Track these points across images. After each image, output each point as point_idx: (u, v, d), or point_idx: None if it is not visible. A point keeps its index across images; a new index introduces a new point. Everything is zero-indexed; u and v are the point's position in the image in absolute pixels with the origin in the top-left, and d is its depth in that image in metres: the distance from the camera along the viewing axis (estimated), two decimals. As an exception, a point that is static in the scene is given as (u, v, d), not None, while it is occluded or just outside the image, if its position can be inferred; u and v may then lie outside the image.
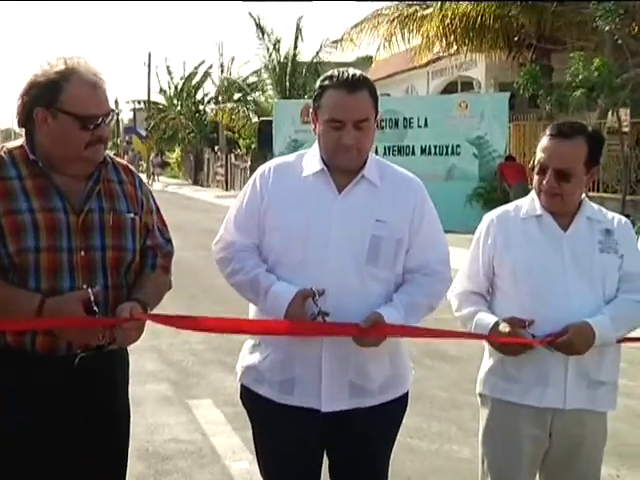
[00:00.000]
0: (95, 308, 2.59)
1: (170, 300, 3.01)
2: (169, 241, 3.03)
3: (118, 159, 3.00)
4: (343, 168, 2.93)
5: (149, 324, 2.75)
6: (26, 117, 2.76)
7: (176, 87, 48.98)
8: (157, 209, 3.04)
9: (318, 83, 2.97)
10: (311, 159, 3.00)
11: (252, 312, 3.08)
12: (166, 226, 3.07)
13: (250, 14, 35.78)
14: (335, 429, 2.95)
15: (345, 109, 2.85)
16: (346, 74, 2.88)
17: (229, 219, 3.05)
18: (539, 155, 3.08)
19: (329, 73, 2.95)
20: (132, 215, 2.85)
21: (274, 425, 2.97)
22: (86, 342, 2.68)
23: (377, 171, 2.99)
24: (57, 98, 2.69)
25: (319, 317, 2.80)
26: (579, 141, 3.05)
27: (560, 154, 3.04)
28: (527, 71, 17.06)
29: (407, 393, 3.11)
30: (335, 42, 30.13)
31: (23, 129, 2.81)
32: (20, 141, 2.80)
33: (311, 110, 2.98)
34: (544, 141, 3.08)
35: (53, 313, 2.57)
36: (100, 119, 2.71)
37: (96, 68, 2.77)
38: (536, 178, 3.10)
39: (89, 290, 2.60)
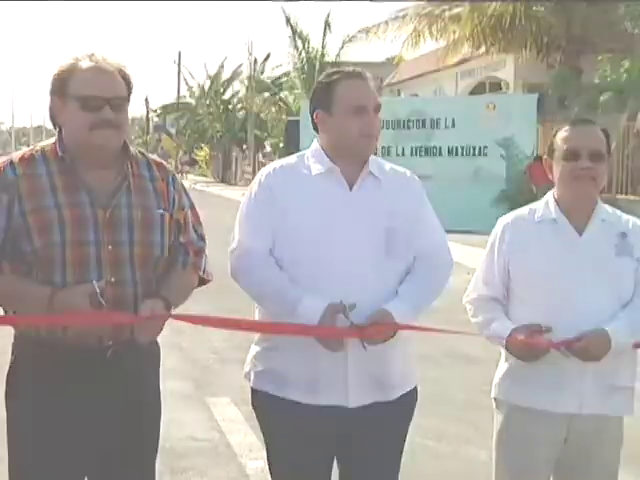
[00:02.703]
0: (101, 301, 2.61)
1: (195, 297, 3.02)
2: (202, 237, 3.04)
3: (153, 156, 3.03)
4: (361, 156, 2.98)
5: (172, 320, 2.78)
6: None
7: (202, 87, 49.17)
8: (192, 205, 3.05)
9: (323, 81, 3.01)
10: (315, 159, 3.02)
11: (257, 314, 3.08)
12: (200, 222, 3.07)
13: (283, 10, 35.92)
14: (354, 425, 2.95)
15: (366, 95, 2.96)
16: (348, 68, 3.02)
17: (241, 224, 3.02)
18: (565, 146, 3.06)
19: (328, 72, 3.06)
20: (162, 211, 2.86)
21: (293, 426, 2.95)
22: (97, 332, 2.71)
23: (376, 167, 3.03)
24: (67, 84, 2.74)
25: None
26: (598, 129, 3.12)
27: (591, 136, 3.08)
28: (556, 73, 16.95)
29: (416, 387, 3.13)
30: (360, 32, 29.89)
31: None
32: (54, 138, 2.84)
33: (316, 112, 3.02)
34: (566, 132, 3.09)
35: (62, 305, 2.61)
36: (103, 101, 2.71)
37: (113, 59, 2.79)
38: (566, 167, 3.06)
39: (94, 283, 2.62)
